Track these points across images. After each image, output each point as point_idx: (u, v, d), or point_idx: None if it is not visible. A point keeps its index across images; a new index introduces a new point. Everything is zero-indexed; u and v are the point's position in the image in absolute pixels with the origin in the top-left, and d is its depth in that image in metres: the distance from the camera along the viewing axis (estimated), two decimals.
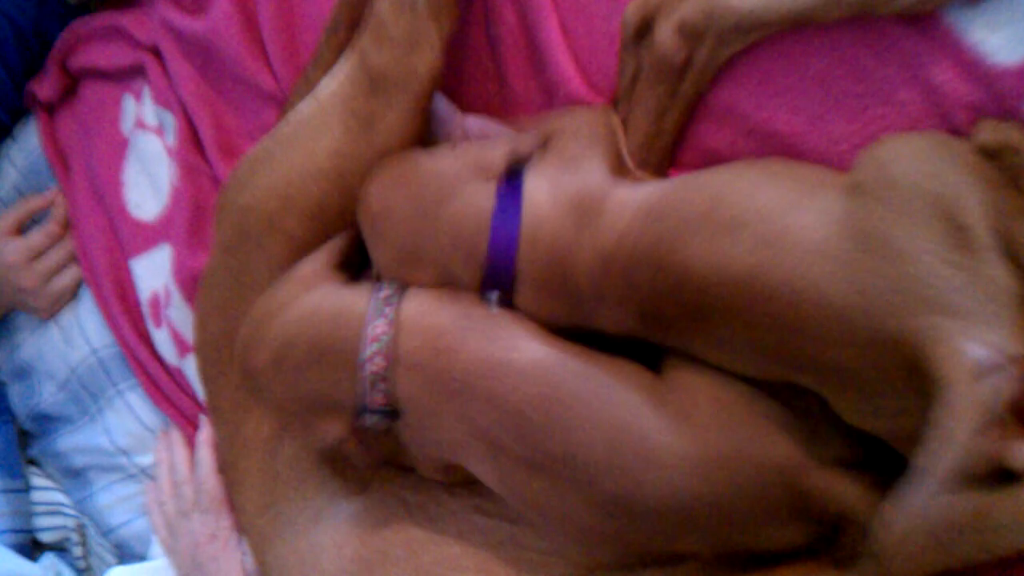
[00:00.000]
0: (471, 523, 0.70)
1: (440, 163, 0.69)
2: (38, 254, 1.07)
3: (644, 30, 0.67)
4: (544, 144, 0.69)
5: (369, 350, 0.63)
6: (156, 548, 1.00)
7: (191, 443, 0.98)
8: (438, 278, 0.67)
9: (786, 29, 0.62)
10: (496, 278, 0.65)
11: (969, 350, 0.46)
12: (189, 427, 0.99)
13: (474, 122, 0.79)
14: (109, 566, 1.07)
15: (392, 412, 0.65)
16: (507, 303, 0.65)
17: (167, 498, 0.98)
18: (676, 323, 0.59)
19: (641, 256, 0.59)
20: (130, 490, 1.07)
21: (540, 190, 0.65)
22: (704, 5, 0.63)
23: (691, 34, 0.64)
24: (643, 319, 0.61)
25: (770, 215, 0.55)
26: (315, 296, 0.68)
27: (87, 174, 1.06)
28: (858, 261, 0.51)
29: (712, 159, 0.68)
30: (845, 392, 0.54)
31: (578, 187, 0.64)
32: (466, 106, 0.80)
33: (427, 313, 0.65)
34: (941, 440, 0.45)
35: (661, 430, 0.58)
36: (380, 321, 0.64)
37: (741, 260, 0.55)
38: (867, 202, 0.52)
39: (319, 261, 0.72)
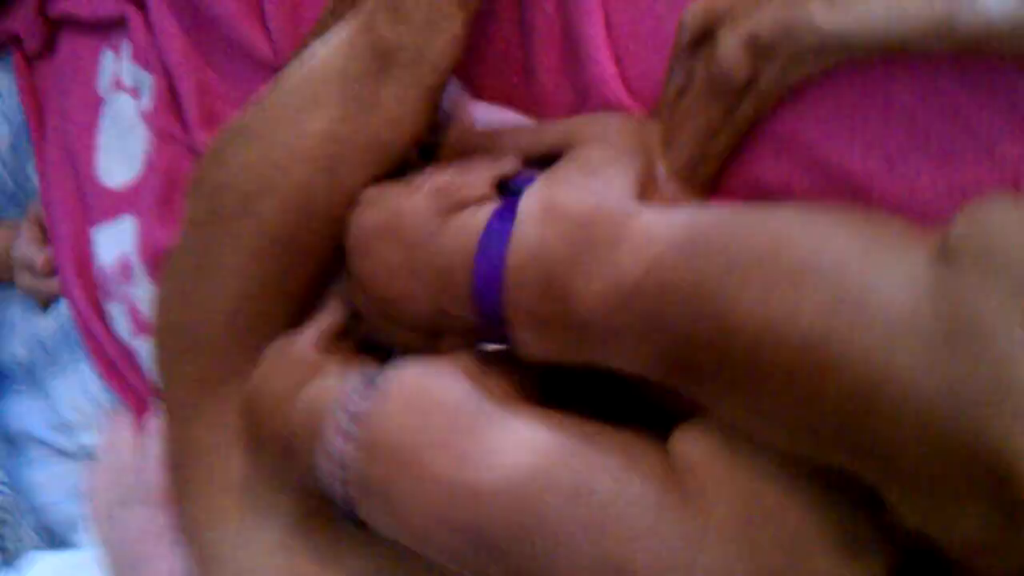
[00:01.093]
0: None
1: (419, 205, 0.60)
2: None
3: (704, 38, 0.58)
4: (555, 155, 0.61)
5: (324, 470, 0.58)
6: (85, 536, 0.91)
7: (138, 427, 0.89)
8: (458, 326, 0.59)
9: (871, 56, 0.53)
10: (487, 317, 0.57)
11: None
12: (138, 410, 0.91)
13: (485, 112, 0.70)
14: (30, 548, 0.99)
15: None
16: (504, 343, 0.57)
17: (106, 485, 0.89)
18: (711, 378, 0.50)
19: (676, 295, 0.50)
20: (68, 468, 0.98)
21: (534, 207, 0.56)
22: (782, 20, 0.54)
23: (761, 51, 0.55)
24: (667, 363, 0.52)
25: (847, 272, 0.46)
26: (307, 393, 0.61)
27: (61, 131, 0.97)
28: (950, 349, 0.42)
29: (761, 192, 0.60)
30: (913, 493, 0.45)
31: (591, 203, 0.55)
32: (483, 96, 0.71)
33: (396, 426, 0.57)
34: None
35: (669, 565, 0.49)
36: (336, 436, 0.57)
37: (807, 321, 0.46)
38: (963, 276, 0.43)
39: (311, 346, 0.65)
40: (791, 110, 0.57)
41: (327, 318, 0.67)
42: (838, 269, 0.46)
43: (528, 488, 0.52)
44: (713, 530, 0.49)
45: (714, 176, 0.61)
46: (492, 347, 0.58)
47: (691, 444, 0.53)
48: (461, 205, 0.59)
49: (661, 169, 0.61)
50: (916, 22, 0.50)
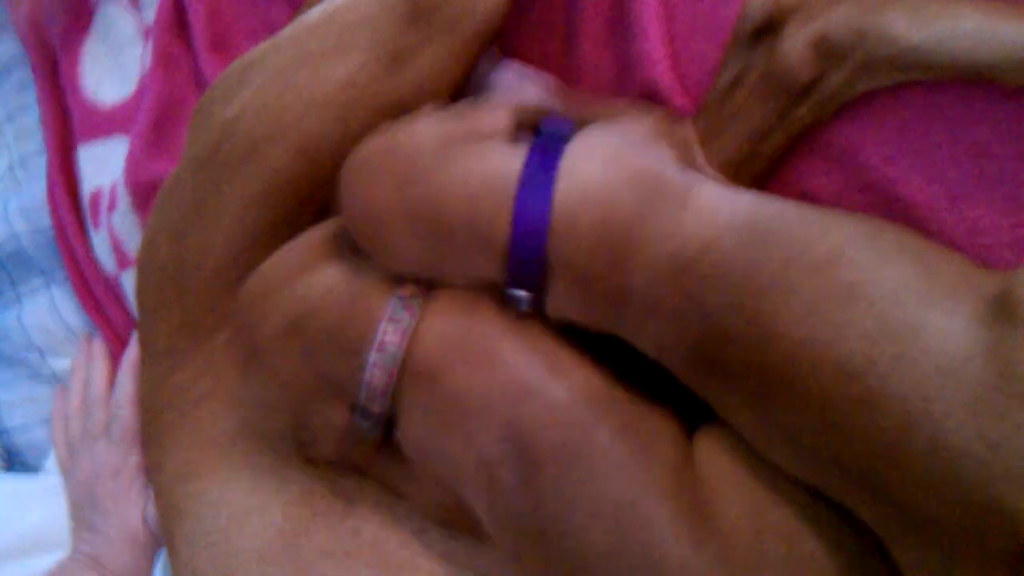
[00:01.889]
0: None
1: (423, 131, 0.54)
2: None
3: (768, 29, 0.54)
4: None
5: (372, 359, 0.52)
6: (52, 463, 0.88)
7: (116, 360, 0.85)
8: (460, 278, 0.54)
9: (950, 78, 0.49)
10: (522, 270, 0.51)
11: None
12: (116, 342, 0.87)
13: (516, 75, 0.65)
14: None
15: (388, 422, 0.54)
16: (536, 304, 0.52)
17: (75, 414, 0.86)
18: (735, 379, 0.47)
19: (724, 281, 0.46)
20: (36, 392, 0.94)
21: (591, 154, 0.51)
22: (857, 24, 0.49)
23: (830, 53, 0.51)
24: (694, 354, 0.48)
25: (900, 303, 0.43)
26: (332, 273, 0.56)
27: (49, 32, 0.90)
28: (996, 410, 0.39)
29: (806, 202, 0.55)
30: (923, 548, 0.43)
31: (648, 163, 0.51)
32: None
33: (456, 317, 0.53)
34: None
35: (679, 537, 0.47)
36: (391, 328, 0.52)
37: (850, 345, 0.43)
38: (1021, 334, 0.40)
39: (335, 229, 0.59)
40: (852, 122, 0.53)
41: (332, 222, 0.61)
42: (892, 299, 0.43)
43: (584, 409, 0.50)
44: (725, 524, 0.47)
45: (759, 179, 0.57)
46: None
47: (712, 445, 0.51)
48: (473, 136, 0.53)
49: (701, 164, 0.57)
50: (1008, 49, 0.46)
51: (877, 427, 0.42)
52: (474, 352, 0.51)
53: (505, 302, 0.53)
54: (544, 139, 0.52)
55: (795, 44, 0.52)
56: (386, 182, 0.53)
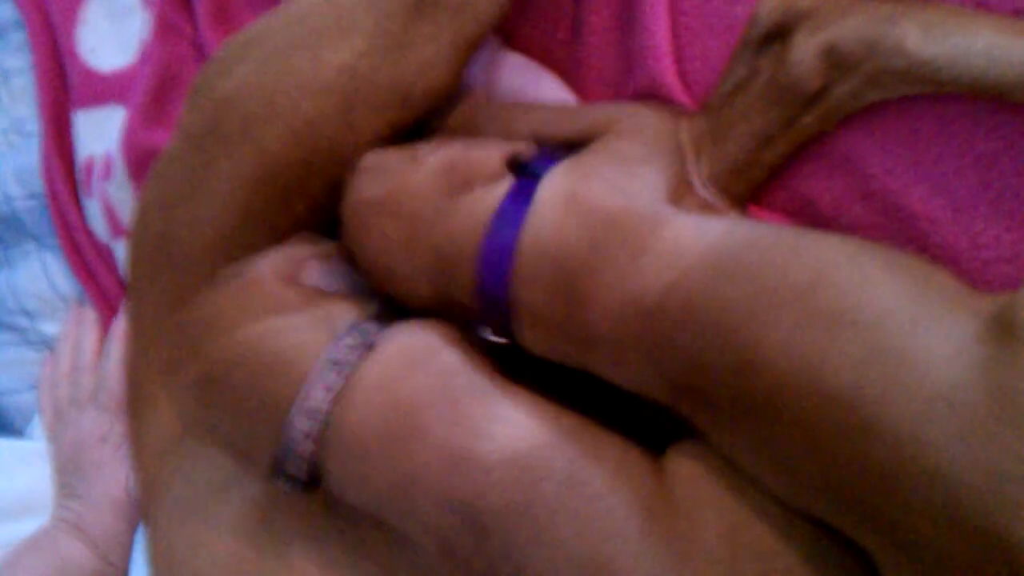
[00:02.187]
0: (410, 561, 0.58)
1: (424, 180, 0.55)
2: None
3: (777, 35, 0.53)
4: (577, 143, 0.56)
5: (297, 425, 0.50)
6: (37, 428, 0.87)
7: (106, 328, 0.85)
8: (438, 305, 0.54)
9: (958, 92, 0.48)
10: (490, 306, 0.51)
11: None
12: (107, 310, 0.86)
13: (516, 71, 0.64)
14: None
15: (313, 480, 0.52)
16: (506, 336, 0.52)
17: (63, 380, 0.86)
18: (719, 411, 0.46)
19: (698, 320, 0.45)
20: (25, 356, 0.93)
21: (556, 195, 0.51)
22: (868, 35, 0.48)
23: (839, 63, 0.50)
24: (675, 389, 0.48)
25: (888, 326, 0.41)
26: (257, 332, 0.53)
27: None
28: (992, 435, 0.38)
29: (808, 213, 0.55)
30: (920, 574, 0.42)
31: (620, 202, 0.50)
32: (522, 49, 0.65)
33: (392, 380, 0.50)
34: None
35: (659, 555, 0.45)
36: (320, 393, 0.50)
37: (836, 373, 0.41)
38: (1019, 356, 0.39)
39: (269, 270, 0.57)
40: (857, 132, 0.52)
41: (295, 247, 0.61)
42: (879, 321, 0.42)
43: (525, 465, 0.48)
44: (699, 551, 0.45)
45: (759, 186, 0.56)
46: (493, 338, 0.53)
47: (686, 464, 0.49)
48: (470, 184, 0.53)
49: (697, 173, 0.56)
50: (1021, 69, 0.45)
51: (867, 455, 0.41)
52: (403, 424, 0.50)
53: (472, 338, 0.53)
54: (521, 182, 0.52)
55: (804, 52, 0.51)
56: (393, 230, 0.55)
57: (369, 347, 0.52)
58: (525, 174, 0.53)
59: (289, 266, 0.58)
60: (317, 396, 0.50)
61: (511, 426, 0.49)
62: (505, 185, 0.53)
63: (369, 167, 0.57)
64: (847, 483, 0.42)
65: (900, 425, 0.40)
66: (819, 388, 0.42)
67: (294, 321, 0.54)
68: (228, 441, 0.54)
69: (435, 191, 0.54)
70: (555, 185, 0.52)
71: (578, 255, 0.49)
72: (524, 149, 0.55)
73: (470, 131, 0.62)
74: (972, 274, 0.49)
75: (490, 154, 0.54)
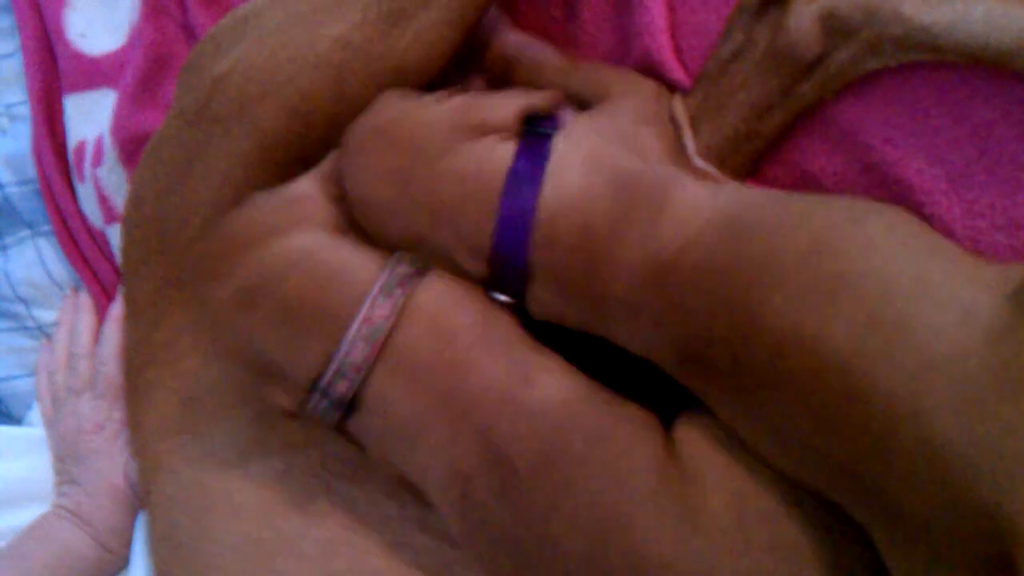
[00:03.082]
0: (407, 538, 0.58)
1: (434, 114, 0.53)
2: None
3: (774, 3, 0.52)
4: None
5: (356, 332, 0.49)
6: (35, 415, 0.87)
7: (102, 314, 0.84)
8: (449, 268, 0.53)
9: (958, 61, 0.48)
10: (505, 273, 0.51)
11: None
12: (103, 296, 0.85)
13: (517, 41, 0.63)
14: None
15: (348, 406, 0.51)
16: (513, 295, 0.52)
17: (59, 367, 0.85)
18: (722, 376, 0.46)
19: (706, 280, 0.46)
20: (22, 344, 0.92)
21: (573, 157, 0.50)
22: (865, 1, 0.48)
23: (837, 30, 0.49)
24: (679, 353, 0.48)
25: (891, 292, 0.41)
26: (310, 240, 0.53)
27: None
28: (993, 404, 0.38)
29: (807, 184, 0.55)
30: (907, 545, 0.42)
31: (632, 166, 0.50)
32: (516, 28, 0.64)
33: (444, 307, 0.51)
34: None
35: (661, 538, 0.46)
36: (384, 302, 0.50)
37: (837, 338, 0.41)
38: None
39: (318, 187, 0.56)
40: (855, 102, 0.52)
41: (328, 164, 0.59)
42: (880, 289, 0.41)
43: (561, 416, 0.48)
44: (707, 517, 0.46)
45: (757, 157, 0.56)
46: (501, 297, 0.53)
47: (694, 432, 0.49)
48: (481, 129, 0.52)
49: (690, 144, 0.56)
50: (1020, 35, 0.44)
51: (863, 422, 0.41)
52: (454, 353, 0.50)
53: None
54: (535, 139, 0.52)
55: (802, 19, 0.50)
56: (390, 156, 0.53)
57: (423, 273, 0.52)
58: (536, 133, 0.52)
59: (334, 186, 0.57)
60: (381, 307, 0.50)
61: (555, 377, 0.50)
62: (515, 142, 0.52)
63: (382, 99, 0.56)
64: (842, 451, 0.42)
65: (895, 393, 0.40)
66: (818, 354, 0.42)
67: (346, 238, 0.54)
68: (265, 356, 0.53)
69: (443, 128, 0.53)
70: (573, 145, 0.51)
71: (602, 213, 0.48)
72: (541, 103, 0.54)
73: (498, 72, 0.62)
74: (968, 239, 0.49)
75: (505, 104, 0.53)
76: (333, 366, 0.50)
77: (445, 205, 0.51)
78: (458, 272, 0.52)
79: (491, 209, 0.50)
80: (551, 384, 0.49)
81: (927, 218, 0.50)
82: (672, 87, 0.59)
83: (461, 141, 0.52)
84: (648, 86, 0.58)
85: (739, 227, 0.46)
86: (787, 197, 0.48)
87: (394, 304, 0.50)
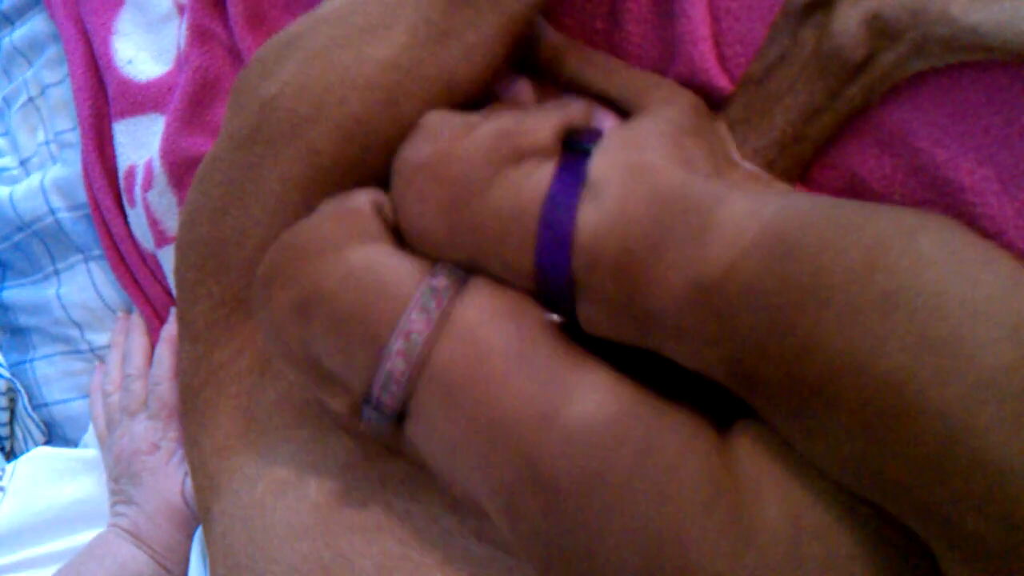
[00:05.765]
0: (464, 550, 0.58)
1: (474, 145, 0.54)
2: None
3: (819, 4, 0.53)
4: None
5: (395, 346, 0.50)
6: (91, 437, 0.89)
7: (154, 336, 0.86)
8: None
9: (1007, 60, 0.48)
10: (550, 293, 0.51)
11: None
12: (155, 319, 0.86)
13: (563, 40, 0.64)
14: (34, 443, 0.95)
15: (398, 416, 0.52)
16: (564, 314, 0.52)
17: (113, 389, 0.86)
18: (776, 394, 0.45)
19: (755, 301, 0.45)
20: (76, 367, 0.94)
21: (611, 175, 0.50)
22: (911, 2, 0.48)
23: (883, 32, 0.50)
24: (730, 370, 0.47)
25: (943, 308, 0.41)
26: (363, 255, 0.54)
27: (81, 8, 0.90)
28: None
29: (856, 188, 0.55)
30: (969, 564, 0.41)
31: (679, 180, 0.49)
32: None
33: (481, 322, 0.51)
34: None
35: (715, 552, 0.45)
36: (419, 316, 0.50)
37: (889, 356, 0.41)
38: None
39: (372, 201, 0.57)
40: (903, 104, 0.52)
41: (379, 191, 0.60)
42: (932, 306, 0.41)
43: (604, 433, 0.47)
44: (761, 530, 0.45)
45: (805, 161, 0.56)
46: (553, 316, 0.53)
47: (750, 441, 0.49)
48: (519, 155, 0.53)
49: (735, 152, 0.56)
50: None
51: (918, 441, 0.40)
52: (490, 369, 0.50)
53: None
54: (572, 158, 0.52)
55: (848, 21, 0.51)
56: (436, 191, 0.54)
57: (463, 283, 0.52)
58: (575, 149, 0.53)
59: (384, 201, 0.58)
60: (417, 321, 0.50)
61: (598, 392, 0.49)
62: (552, 164, 0.52)
63: (425, 125, 0.57)
64: (898, 469, 0.42)
65: (949, 411, 0.39)
66: (871, 372, 0.41)
67: (389, 253, 0.54)
68: (322, 364, 0.54)
69: (482, 160, 0.53)
70: (610, 161, 0.51)
71: (642, 236, 0.48)
72: (580, 117, 0.55)
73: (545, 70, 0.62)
74: (1018, 243, 0.49)
75: (542, 124, 0.54)
76: (379, 379, 0.51)
77: (489, 239, 0.52)
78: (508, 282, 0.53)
79: (531, 238, 0.50)
80: (593, 400, 0.48)
81: (978, 218, 0.50)
82: (716, 95, 0.59)
83: (500, 170, 0.52)
84: (688, 95, 0.58)
85: (787, 245, 0.45)
86: (834, 206, 0.47)
87: (429, 318, 0.50)
